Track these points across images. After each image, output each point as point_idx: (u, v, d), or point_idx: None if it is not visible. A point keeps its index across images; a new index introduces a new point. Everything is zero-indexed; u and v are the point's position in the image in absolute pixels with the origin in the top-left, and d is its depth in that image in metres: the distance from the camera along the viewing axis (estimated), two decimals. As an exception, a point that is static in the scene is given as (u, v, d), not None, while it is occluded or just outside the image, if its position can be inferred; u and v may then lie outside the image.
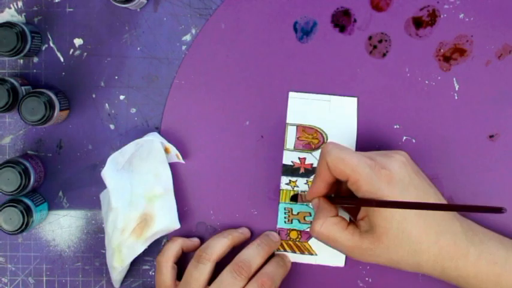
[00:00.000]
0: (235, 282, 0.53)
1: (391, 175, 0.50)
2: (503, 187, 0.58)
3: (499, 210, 0.39)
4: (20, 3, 0.60)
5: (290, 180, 0.58)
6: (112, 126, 0.60)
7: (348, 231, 0.52)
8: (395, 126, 0.58)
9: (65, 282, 0.60)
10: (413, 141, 0.58)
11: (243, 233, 0.58)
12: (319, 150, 0.58)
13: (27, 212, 0.56)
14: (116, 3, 0.56)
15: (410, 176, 0.51)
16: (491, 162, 0.58)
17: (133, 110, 0.60)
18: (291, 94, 0.58)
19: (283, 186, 0.58)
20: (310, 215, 0.58)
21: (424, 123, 0.58)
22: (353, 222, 0.53)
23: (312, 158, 0.58)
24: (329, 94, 0.58)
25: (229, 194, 0.59)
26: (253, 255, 0.55)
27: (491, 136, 0.58)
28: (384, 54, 0.58)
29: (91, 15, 0.59)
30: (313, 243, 0.58)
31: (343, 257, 0.58)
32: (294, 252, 0.58)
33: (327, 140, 0.58)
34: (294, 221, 0.58)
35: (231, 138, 0.59)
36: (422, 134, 0.58)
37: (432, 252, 0.50)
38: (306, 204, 0.58)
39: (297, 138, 0.58)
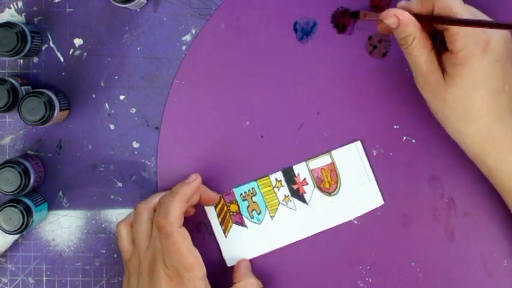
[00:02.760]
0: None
1: (488, 42, 0.49)
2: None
3: None
4: (20, 3, 0.60)
5: (280, 180, 0.58)
6: (112, 126, 0.60)
7: (433, 51, 0.51)
8: (395, 126, 0.58)
9: (65, 282, 0.60)
10: (413, 141, 0.58)
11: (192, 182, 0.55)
12: (322, 193, 0.58)
13: (27, 212, 0.56)
14: (116, 3, 0.56)
15: (503, 55, 0.50)
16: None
17: (133, 110, 0.60)
18: (357, 143, 0.58)
19: (272, 176, 0.58)
20: (259, 214, 0.58)
21: (424, 123, 0.58)
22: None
23: (310, 191, 0.58)
24: (375, 177, 0.58)
25: (229, 194, 0.59)
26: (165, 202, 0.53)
27: (491, 136, 0.58)
28: (384, 54, 0.58)
29: (91, 15, 0.59)
30: (234, 229, 0.58)
31: (235, 260, 0.58)
32: (218, 216, 0.58)
33: (335, 194, 0.58)
34: (245, 201, 0.58)
35: (231, 138, 0.59)
36: (422, 134, 0.58)
37: (485, 123, 0.51)
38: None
39: (321, 168, 0.58)
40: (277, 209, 0.59)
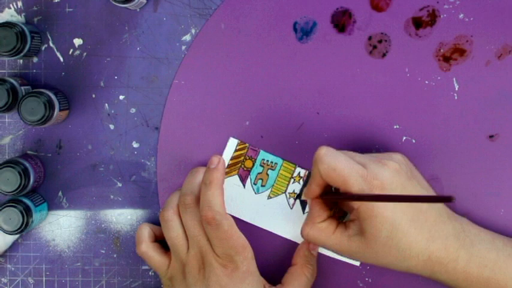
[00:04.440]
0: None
1: (383, 185, 0.50)
2: (503, 187, 0.58)
3: (449, 199, 0.39)
4: (19, 3, 0.60)
5: (302, 176, 0.58)
6: (112, 126, 0.60)
7: (335, 236, 0.52)
8: (395, 126, 0.58)
9: (65, 282, 0.60)
10: (413, 141, 0.58)
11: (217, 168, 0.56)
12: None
13: (26, 212, 0.56)
14: (116, 3, 0.56)
15: (403, 184, 0.51)
16: (491, 162, 0.58)
17: (133, 110, 0.60)
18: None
19: (298, 168, 0.58)
20: (263, 186, 0.58)
21: (424, 123, 0.58)
22: (343, 223, 0.53)
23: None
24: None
25: (229, 194, 0.59)
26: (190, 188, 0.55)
27: (491, 136, 0.58)
28: (384, 55, 0.58)
29: (91, 15, 0.59)
30: (228, 182, 0.58)
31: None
32: (229, 159, 0.58)
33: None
34: (261, 167, 0.58)
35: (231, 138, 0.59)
36: (422, 134, 0.58)
37: (422, 258, 0.50)
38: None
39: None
40: (278, 195, 0.58)
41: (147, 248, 0.56)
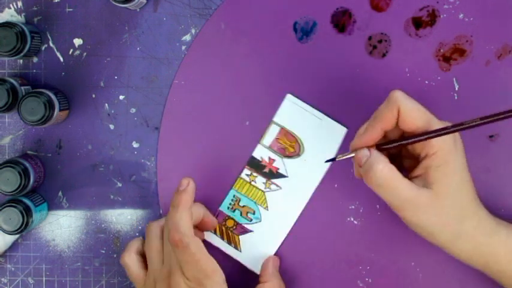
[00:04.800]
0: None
1: (455, 137, 0.50)
2: (503, 187, 0.58)
3: None
4: (19, 3, 0.60)
5: (251, 173, 0.58)
6: (112, 126, 0.60)
7: (406, 181, 0.50)
8: (395, 126, 0.58)
9: (65, 282, 0.60)
10: (413, 141, 0.58)
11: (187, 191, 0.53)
12: (291, 160, 0.58)
13: (26, 212, 0.56)
14: (116, 3, 0.56)
15: (463, 149, 0.51)
16: (491, 162, 0.58)
17: (133, 110, 0.60)
18: (289, 96, 0.58)
19: (242, 175, 0.58)
20: (254, 213, 0.58)
21: (424, 123, 0.58)
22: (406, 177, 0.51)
23: (281, 164, 0.58)
24: (324, 113, 0.58)
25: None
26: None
27: (491, 136, 0.58)
28: (384, 55, 0.58)
29: (91, 15, 0.59)
30: (243, 240, 0.58)
31: (260, 264, 0.58)
32: (222, 239, 0.58)
33: (302, 151, 0.58)
34: (236, 211, 0.58)
35: (231, 138, 0.59)
36: (422, 134, 0.58)
37: (473, 223, 0.51)
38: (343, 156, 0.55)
39: (276, 139, 0.58)
40: (266, 198, 0.58)
41: (128, 259, 0.55)
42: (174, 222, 0.51)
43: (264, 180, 0.58)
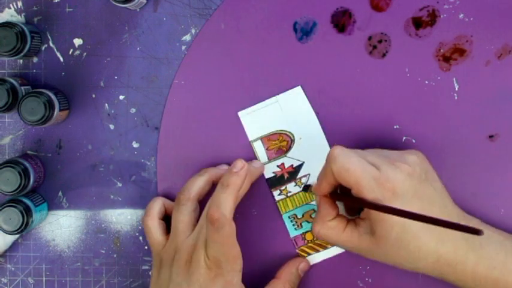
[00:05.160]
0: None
1: (395, 189, 0.49)
2: (503, 187, 0.58)
3: (475, 232, 0.39)
4: (19, 3, 0.60)
5: (281, 190, 0.58)
6: (112, 126, 0.60)
7: (346, 233, 0.53)
8: (395, 126, 0.58)
9: (65, 282, 0.60)
10: (413, 141, 0.58)
11: (221, 168, 0.57)
12: (292, 150, 0.58)
13: (26, 212, 0.56)
14: (116, 3, 0.56)
15: (415, 188, 0.51)
16: (491, 162, 0.58)
17: (133, 110, 0.60)
18: (241, 114, 0.58)
19: (277, 198, 0.59)
20: (314, 211, 0.58)
21: (424, 123, 0.58)
22: (353, 220, 0.53)
23: (289, 160, 0.58)
24: (275, 95, 0.58)
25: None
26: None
27: (491, 136, 0.58)
28: (384, 55, 0.58)
29: (91, 15, 0.59)
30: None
31: None
32: (318, 251, 0.58)
33: (293, 136, 0.58)
34: (303, 224, 0.58)
35: (230, 138, 0.59)
36: (422, 134, 0.58)
37: (431, 260, 0.51)
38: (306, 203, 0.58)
39: (267, 149, 0.58)
40: (307, 194, 0.59)
41: (151, 223, 0.56)
42: (219, 200, 0.52)
43: (293, 184, 0.58)
